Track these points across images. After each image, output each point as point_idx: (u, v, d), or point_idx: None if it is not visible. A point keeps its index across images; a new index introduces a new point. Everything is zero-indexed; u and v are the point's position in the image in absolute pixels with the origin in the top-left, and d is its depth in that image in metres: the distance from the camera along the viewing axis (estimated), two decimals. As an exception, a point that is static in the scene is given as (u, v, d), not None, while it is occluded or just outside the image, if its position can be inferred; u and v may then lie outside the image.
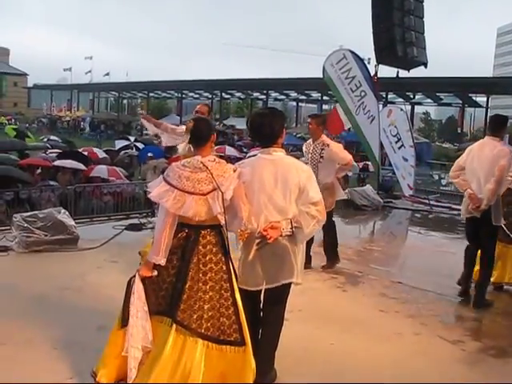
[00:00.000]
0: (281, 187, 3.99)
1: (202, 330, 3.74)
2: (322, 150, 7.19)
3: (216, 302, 3.79)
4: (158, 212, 3.93)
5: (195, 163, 3.81)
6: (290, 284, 4.13)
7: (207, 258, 3.80)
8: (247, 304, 4.00)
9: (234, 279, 3.88)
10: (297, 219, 3.97)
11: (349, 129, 17.74)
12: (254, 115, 4.36)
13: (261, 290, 4.14)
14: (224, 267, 3.84)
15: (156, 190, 3.81)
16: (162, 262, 3.77)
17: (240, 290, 3.97)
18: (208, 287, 3.78)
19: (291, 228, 3.97)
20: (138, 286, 3.83)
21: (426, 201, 14.40)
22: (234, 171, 3.86)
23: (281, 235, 3.95)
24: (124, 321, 3.89)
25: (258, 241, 3.99)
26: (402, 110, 15.98)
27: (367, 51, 14.43)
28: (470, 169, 6.37)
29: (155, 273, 3.82)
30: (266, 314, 4.21)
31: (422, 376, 4.58)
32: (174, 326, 3.73)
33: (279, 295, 4.15)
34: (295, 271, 4.08)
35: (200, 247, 3.80)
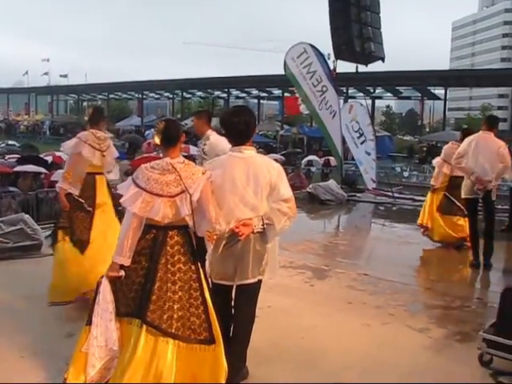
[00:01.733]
0: (252, 185, 4.01)
1: (173, 330, 3.73)
2: (205, 144, 6.78)
3: (185, 302, 3.78)
4: (125, 213, 3.90)
5: (164, 165, 3.80)
6: (260, 281, 4.16)
7: (175, 258, 3.79)
8: (218, 301, 4.01)
9: (203, 278, 3.88)
10: (268, 216, 4.00)
11: (311, 124, 17.89)
12: (229, 114, 4.35)
13: (232, 287, 4.16)
14: (193, 267, 3.83)
15: (126, 193, 3.79)
16: (127, 262, 3.76)
17: (212, 286, 4.00)
18: (177, 287, 3.78)
19: (262, 225, 4.00)
20: (105, 287, 3.81)
21: (389, 193, 14.60)
22: (203, 173, 3.85)
23: (252, 232, 3.98)
24: (88, 320, 3.87)
25: (229, 238, 4.00)
26: (361, 104, 16.17)
27: (326, 47, 14.52)
28: (475, 157, 7.60)
29: (122, 273, 3.80)
30: (237, 311, 4.22)
31: (392, 366, 4.64)
32: (145, 327, 3.71)
33: (250, 292, 4.16)
34: (266, 268, 4.13)
35: (168, 248, 3.78)
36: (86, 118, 6.86)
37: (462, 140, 8.33)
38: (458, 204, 8.64)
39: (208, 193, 3.82)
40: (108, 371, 3.82)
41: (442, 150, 9.35)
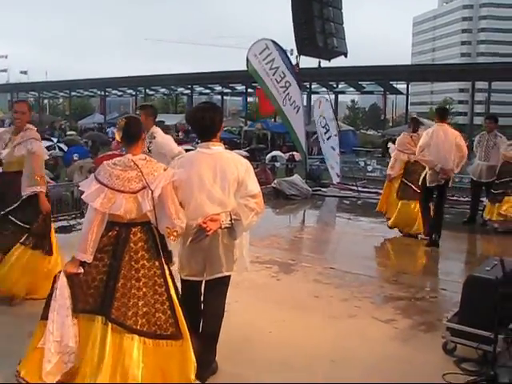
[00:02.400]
0: (219, 181, 4.03)
1: (138, 327, 3.71)
2: (150, 142, 6.61)
3: (150, 298, 3.77)
4: (87, 210, 3.88)
5: (126, 162, 3.82)
6: (229, 277, 4.19)
7: (139, 254, 3.79)
8: (188, 296, 4.05)
9: (167, 274, 3.87)
10: (236, 212, 4.01)
11: (275, 119, 17.97)
12: (195, 109, 4.40)
13: (201, 282, 4.18)
14: (157, 263, 3.83)
15: (87, 189, 3.78)
16: (89, 259, 3.74)
17: (181, 282, 4.05)
18: (141, 284, 3.77)
19: (230, 220, 4.00)
20: (62, 282, 3.77)
21: (354, 187, 14.73)
22: (165, 170, 3.87)
23: (220, 227, 3.98)
24: (44, 314, 3.84)
25: (197, 233, 4.01)
26: (327, 100, 16.28)
27: (289, 43, 14.58)
28: (436, 148, 8.23)
29: (81, 270, 3.78)
30: (206, 306, 4.23)
31: (360, 357, 4.71)
32: (110, 324, 3.68)
33: (219, 287, 4.19)
34: (234, 263, 4.15)
35: (131, 244, 3.78)
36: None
37: (413, 129, 9.42)
38: (414, 188, 9.07)
39: (169, 189, 3.81)
40: (64, 365, 3.77)
41: (396, 141, 9.74)
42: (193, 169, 4.06)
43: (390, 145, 9.85)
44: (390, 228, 9.47)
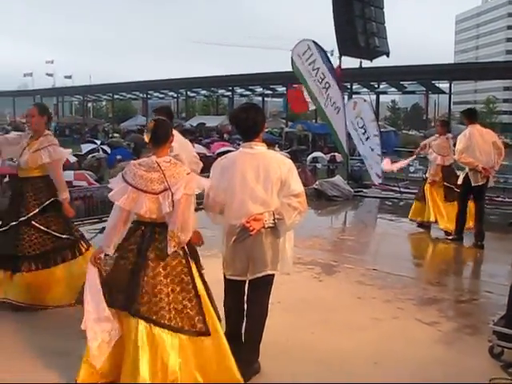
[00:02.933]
0: (263, 181, 4.07)
1: (166, 321, 3.77)
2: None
3: (178, 295, 3.83)
4: (114, 206, 4.00)
5: (150, 163, 3.91)
6: (273, 276, 4.21)
7: (164, 252, 3.86)
8: (232, 295, 4.16)
9: (194, 272, 3.93)
10: (279, 211, 4.04)
11: (316, 120, 17.92)
12: (238, 110, 4.45)
13: (245, 282, 4.21)
14: (183, 261, 3.90)
15: (115, 187, 3.92)
16: (111, 252, 3.91)
17: (224, 281, 4.14)
18: (168, 280, 3.83)
19: (273, 220, 4.04)
20: (91, 271, 3.92)
21: (396, 188, 14.59)
22: (188, 174, 3.92)
23: (263, 227, 4.02)
24: (79, 298, 4.02)
25: (240, 232, 4.06)
26: (365, 100, 16.15)
27: (331, 43, 14.55)
28: (477, 149, 8.33)
29: (102, 255, 3.93)
30: (250, 306, 4.26)
31: (403, 360, 4.67)
32: (143, 321, 3.75)
33: (263, 286, 4.22)
34: (278, 262, 4.17)
35: (156, 244, 3.87)
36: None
37: (442, 131, 9.62)
38: (456, 189, 9.13)
39: (185, 199, 3.83)
40: (107, 345, 3.87)
41: (433, 146, 9.60)
42: (235, 169, 4.13)
43: (430, 151, 9.67)
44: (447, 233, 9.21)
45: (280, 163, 4.15)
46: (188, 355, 3.81)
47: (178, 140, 6.07)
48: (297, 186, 4.13)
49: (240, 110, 4.40)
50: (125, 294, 3.84)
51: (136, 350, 3.73)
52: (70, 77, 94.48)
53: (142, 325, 3.75)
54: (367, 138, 15.10)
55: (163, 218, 3.86)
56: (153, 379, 3.70)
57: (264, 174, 4.08)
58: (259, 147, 4.20)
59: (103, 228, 9.54)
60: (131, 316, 3.79)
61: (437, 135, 9.73)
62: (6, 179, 15.05)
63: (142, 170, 3.88)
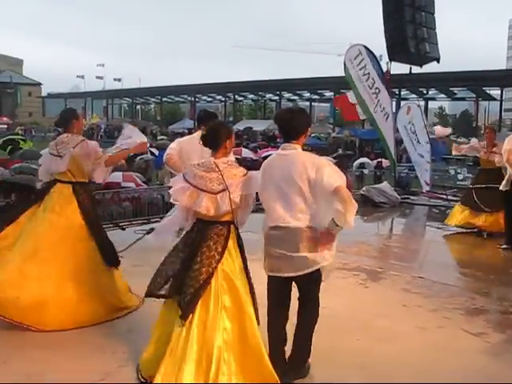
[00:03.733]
0: (289, 182, 4.09)
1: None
2: None
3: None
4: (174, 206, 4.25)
5: (209, 164, 4.12)
6: (317, 275, 4.21)
7: (218, 250, 4.03)
8: (274, 293, 4.27)
9: (248, 269, 4.17)
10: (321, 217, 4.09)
11: (363, 125, 17.82)
12: (284, 111, 4.57)
13: (289, 281, 4.26)
14: (236, 259, 4.11)
15: (175, 186, 4.17)
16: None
17: (268, 279, 4.27)
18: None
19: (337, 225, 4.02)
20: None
21: (444, 196, 14.38)
22: (244, 175, 4.09)
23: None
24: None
25: (277, 228, 4.13)
26: (418, 106, 16.00)
27: (378, 48, 14.43)
28: None
29: None
30: (299, 309, 4.32)
31: (448, 370, 4.61)
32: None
33: (308, 285, 4.25)
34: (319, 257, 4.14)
35: (209, 242, 4.04)
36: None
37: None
38: None
39: (243, 198, 4.08)
40: None
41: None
42: (268, 171, 4.23)
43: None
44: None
45: (308, 163, 4.09)
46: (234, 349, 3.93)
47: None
48: (330, 179, 3.99)
49: (286, 110, 4.50)
50: (173, 284, 4.06)
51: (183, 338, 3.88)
52: (119, 79, 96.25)
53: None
54: (417, 144, 14.95)
55: (220, 216, 4.06)
56: (197, 370, 3.80)
57: (289, 175, 4.09)
58: (291, 149, 4.21)
59: (151, 229, 9.69)
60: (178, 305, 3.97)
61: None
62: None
63: (202, 171, 4.09)
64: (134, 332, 5.14)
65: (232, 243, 4.10)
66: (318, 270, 4.16)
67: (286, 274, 4.17)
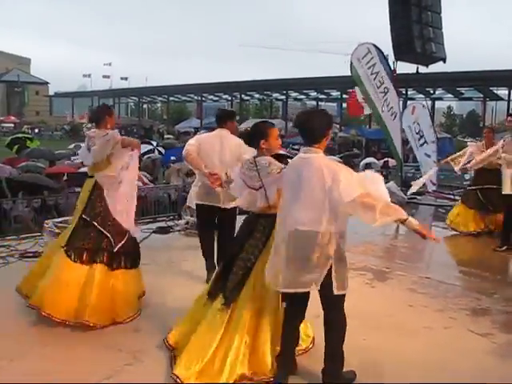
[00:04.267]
0: (307, 189, 3.91)
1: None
2: None
3: None
4: None
5: (249, 162, 4.52)
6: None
7: (263, 239, 4.42)
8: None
9: None
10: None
11: (369, 125, 17.78)
12: (299, 113, 4.45)
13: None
14: None
15: (234, 182, 4.76)
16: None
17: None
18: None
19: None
20: None
21: (450, 196, 14.35)
22: (279, 172, 4.31)
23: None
24: None
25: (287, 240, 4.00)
26: (423, 106, 15.96)
27: (384, 47, 14.38)
28: None
29: None
30: (324, 318, 4.21)
31: (454, 370, 4.62)
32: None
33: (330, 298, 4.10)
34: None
35: (256, 233, 4.44)
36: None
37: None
38: None
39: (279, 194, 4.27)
40: None
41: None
42: (286, 174, 4.20)
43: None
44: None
45: (323, 171, 3.85)
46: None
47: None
48: (346, 192, 3.74)
49: (302, 112, 4.40)
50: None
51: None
52: (126, 78, 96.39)
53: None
54: (422, 144, 14.93)
55: (265, 209, 4.42)
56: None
57: (306, 183, 3.91)
58: (309, 154, 3.99)
59: (157, 228, 9.76)
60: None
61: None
62: (65, 177, 15.48)
63: (246, 168, 4.51)
64: (141, 331, 5.17)
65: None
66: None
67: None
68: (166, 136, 53.47)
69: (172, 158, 21.19)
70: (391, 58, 14.00)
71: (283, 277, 4.01)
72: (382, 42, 13.75)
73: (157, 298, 5.94)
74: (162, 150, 27.76)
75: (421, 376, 4.49)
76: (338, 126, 55.91)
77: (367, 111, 14.64)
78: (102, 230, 5.37)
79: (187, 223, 9.47)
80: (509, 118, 9.38)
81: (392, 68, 13.85)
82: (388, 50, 13.99)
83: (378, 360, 4.73)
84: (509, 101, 48.52)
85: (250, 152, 5.44)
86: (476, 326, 5.60)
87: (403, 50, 13.87)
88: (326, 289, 4.00)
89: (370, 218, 3.76)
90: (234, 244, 4.65)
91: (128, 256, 5.49)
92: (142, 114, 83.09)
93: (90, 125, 6.89)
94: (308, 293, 4.18)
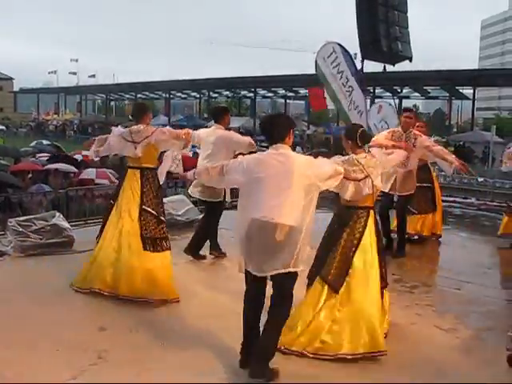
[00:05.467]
0: (284, 178, 4.22)
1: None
2: None
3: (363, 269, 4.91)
4: None
5: (351, 160, 5.04)
6: (292, 275, 4.26)
7: (359, 230, 4.92)
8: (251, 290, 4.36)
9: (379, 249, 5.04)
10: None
11: (337, 123, 17.85)
12: (263, 117, 5.17)
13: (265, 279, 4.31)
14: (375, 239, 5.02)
15: None
16: None
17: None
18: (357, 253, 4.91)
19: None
20: None
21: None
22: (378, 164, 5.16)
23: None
24: None
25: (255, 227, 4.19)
26: (390, 104, 16.10)
27: (352, 47, 14.47)
28: None
29: None
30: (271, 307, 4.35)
31: (420, 365, 4.69)
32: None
33: (282, 285, 4.27)
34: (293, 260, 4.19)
35: (351, 223, 4.95)
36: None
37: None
38: None
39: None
40: None
41: None
42: (261, 167, 4.34)
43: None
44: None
45: (302, 160, 4.38)
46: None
47: None
48: (325, 168, 4.47)
49: (265, 116, 5.02)
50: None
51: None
52: (93, 75, 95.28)
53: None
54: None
55: (363, 201, 4.97)
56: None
57: (286, 172, 4.21)
58: (283, 149, 4.33)
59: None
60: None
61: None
62: (30, 175, 15.27)
63: (347, 165, 4.92)
64: (107, 330, 5.10)
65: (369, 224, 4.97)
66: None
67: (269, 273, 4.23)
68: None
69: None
70: (359, 57, 14.10)
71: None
72: (353, 41, 13.84)
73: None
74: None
75: (388, 371, 4.54)
76: (306, 123, 56.17)
77: (330, 106, 14.69)
78: (162, 218, 6.11)
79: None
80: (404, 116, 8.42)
81: (359, 67, 13.94)
82: (357, 48, 14.09)
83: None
84: (474, 100, 49.34)
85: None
86: (441, 321, 5.68)
87: (370, 48, 13.97)
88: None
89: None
90: (330, 234, 5.07)
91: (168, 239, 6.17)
92: (109, 111, 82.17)
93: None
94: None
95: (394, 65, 15.01)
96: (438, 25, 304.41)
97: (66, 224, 8.11)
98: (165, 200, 7.63)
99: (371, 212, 5.04)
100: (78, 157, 19.72)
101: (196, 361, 4.57)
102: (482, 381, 4.45)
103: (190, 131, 6.45)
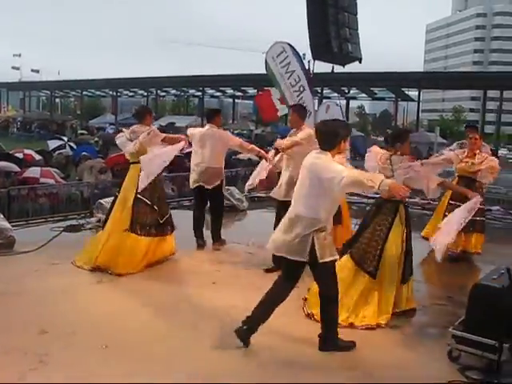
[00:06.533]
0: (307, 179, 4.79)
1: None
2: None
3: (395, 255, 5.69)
4: None
5: (386, 158, 5.87)
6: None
7: (384, 221, 5.67)
8: None
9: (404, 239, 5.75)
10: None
11: (285, 123, 17.86)
12: (318, 122, 5.73)
13: None
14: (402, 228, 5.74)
15: None
16: None
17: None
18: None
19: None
20: None
21: (363, 193, 14.64)
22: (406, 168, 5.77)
23: None
24: None
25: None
26: (337, 105, 16.23)
27: (303, 47, 14.53)
28: None
29: None
30: None
31: (365, 362, 4.75)
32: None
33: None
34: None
35: (381, 214, 5.71)
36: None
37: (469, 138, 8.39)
38: None
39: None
40: None
41: None
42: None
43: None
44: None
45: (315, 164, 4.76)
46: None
47: None
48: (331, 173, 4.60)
49: (321, 121, 5.34)
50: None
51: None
52: (37, 71, 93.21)
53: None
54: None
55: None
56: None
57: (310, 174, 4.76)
58: (321, 154, 4.78)
59: (68, 226, 9.43)
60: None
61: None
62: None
63: (380, 164, 5.86)
64: (48, 333, 4.97)
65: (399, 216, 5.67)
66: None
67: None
68: (80, 131, 51.96)
69: (84, 153, 20.75)
70: (309, 57, 14.17)
71: None
72: (303, 42, 13.90)
73: (66, 297, 5.77)
74: (74, 146, 27.09)
75: (334, 370, 4.56)
76: (253, 123, 56.30)
77: (283, 112, 14.69)
78: (156, 208, 6.93)
79: (99, 221, 9.18)
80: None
81: (308, 67, 14.02)
82: (307, 49, 14.16)
83: (292, 356, 4.75)
84: (419, 102, 50.49)
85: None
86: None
87: (320, 49, 14.05)
88: None
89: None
90: (364, 221, 5.89)
91: (168, 224, 7.19)
92: (54, 108, 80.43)
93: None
94: None
95: (344, 66, 15.14)
96: (385, 27, 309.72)
97: (6, 224, 7.88)
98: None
99: (400, 206, 5.70)
100: (19, 155, 19.28)
101: (142, 365, 4.49)
102: (421, 375, 4.54)
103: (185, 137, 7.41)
